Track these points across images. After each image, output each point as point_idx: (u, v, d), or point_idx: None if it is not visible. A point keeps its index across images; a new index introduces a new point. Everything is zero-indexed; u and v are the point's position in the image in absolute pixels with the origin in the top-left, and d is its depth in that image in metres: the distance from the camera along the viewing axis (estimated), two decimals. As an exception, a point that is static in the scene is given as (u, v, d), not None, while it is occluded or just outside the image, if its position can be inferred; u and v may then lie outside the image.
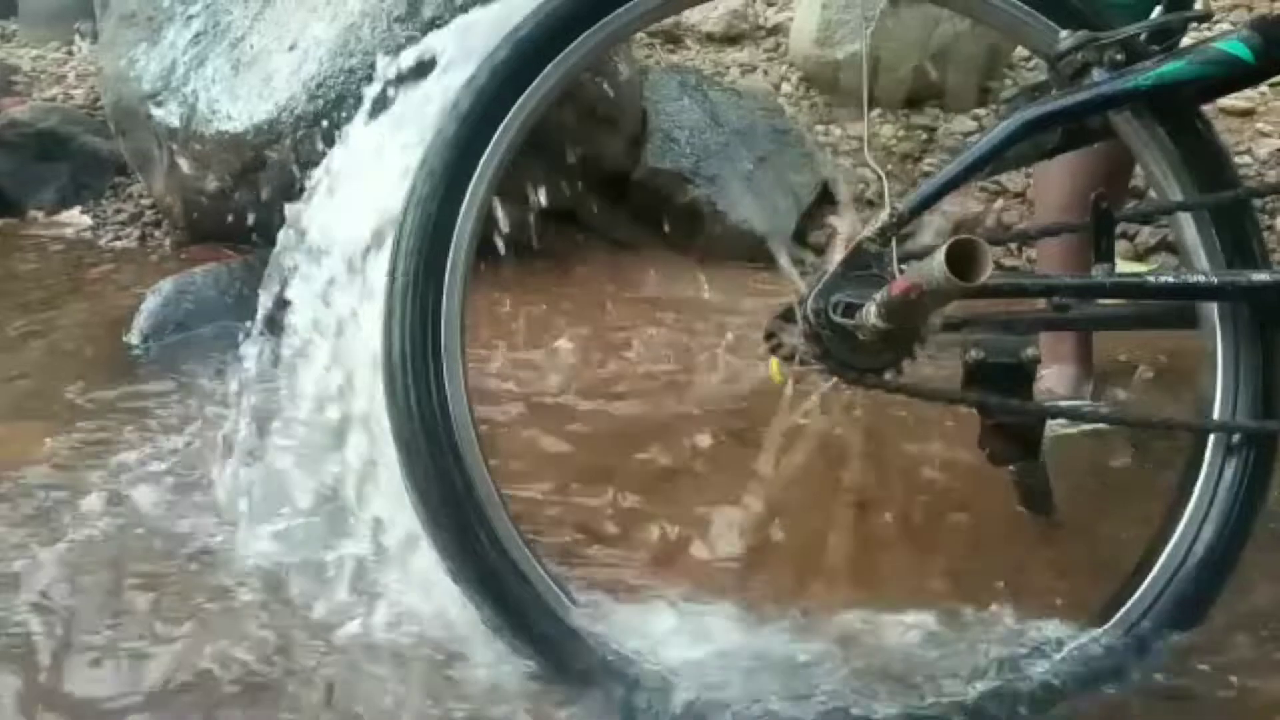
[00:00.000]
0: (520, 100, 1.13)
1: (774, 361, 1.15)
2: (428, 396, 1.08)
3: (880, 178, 1.10)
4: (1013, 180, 2.76)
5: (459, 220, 1.11)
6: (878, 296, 1.03)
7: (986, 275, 0.92)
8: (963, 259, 0.93)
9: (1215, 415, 1.17)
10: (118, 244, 2.97)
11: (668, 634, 1.16)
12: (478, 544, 1.08)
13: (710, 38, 3.51)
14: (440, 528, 1.09)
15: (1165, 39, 1.17)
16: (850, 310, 1.07)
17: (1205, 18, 1.18)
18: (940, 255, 0.93)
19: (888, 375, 1.11)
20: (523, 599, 1.09)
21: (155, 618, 1.29)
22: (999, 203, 2.77)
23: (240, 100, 2.49)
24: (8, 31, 4.32)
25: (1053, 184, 1.85)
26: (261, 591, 1.33)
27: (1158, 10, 1.18)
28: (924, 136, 3.05)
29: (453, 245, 1.10)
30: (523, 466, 1.64)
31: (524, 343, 2.14)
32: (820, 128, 3.11)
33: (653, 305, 2.36)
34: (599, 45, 1.16)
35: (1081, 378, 1.88)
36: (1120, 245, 2.51)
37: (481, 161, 1.11)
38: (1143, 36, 1.14)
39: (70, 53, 4.05)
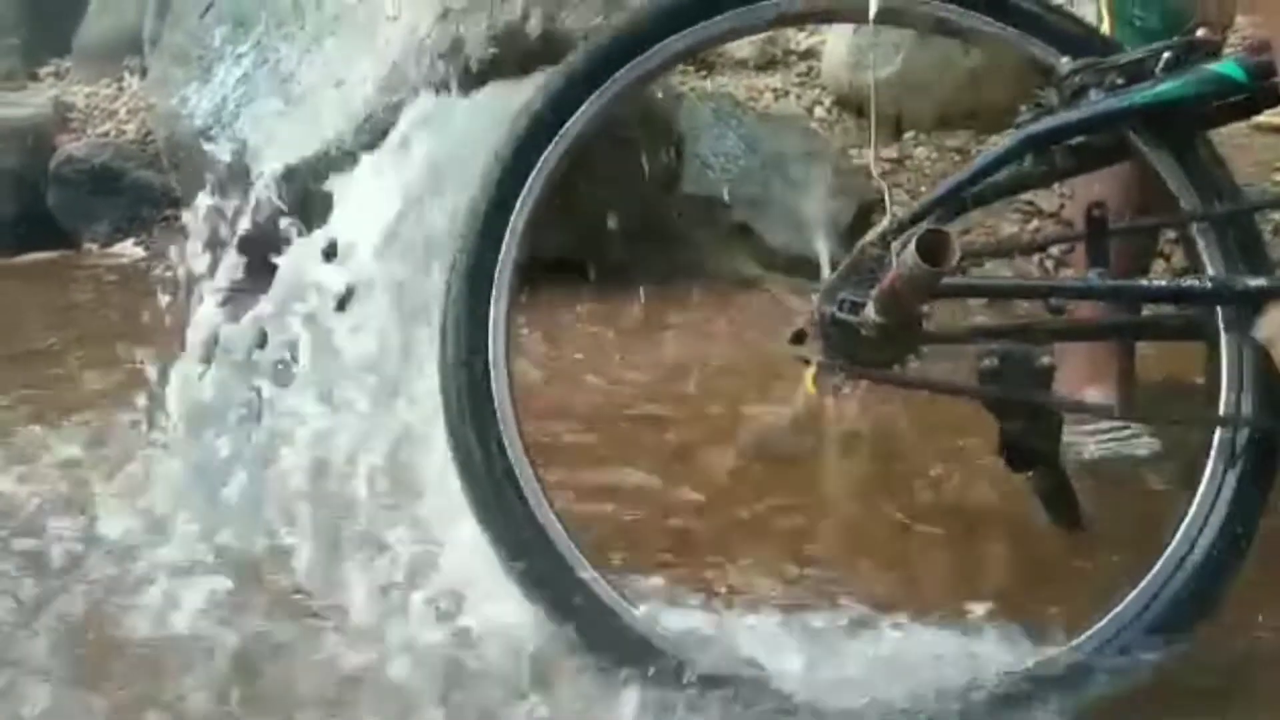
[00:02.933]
0: (565, 127, 1.23)
1: (809, 373, 1.21)
2: (475, 404, 1.18)
3: (884, 191, 1.17)
4: (1048, 201, 2.77)
5: (504, 243, 1.21)
6: (873, 292, 1.13)
7: (954, 261, 1.02)
8: (934, 249, 1.02)
9: (1221, 411, 1.18)
10: (170, 275, 3.05)
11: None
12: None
13: (743, 64, 3.55)
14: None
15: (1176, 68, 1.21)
16: (855, 309, 1.16)
17: (1209, 45, 1.21)
18: (911, 244, 1.03)
19: (894, 370, 1.19)
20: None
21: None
22: (1034, 223, 2.78)
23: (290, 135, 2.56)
24: (61, 69, 4.44)
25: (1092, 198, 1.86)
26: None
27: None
28: (957, 158, 3.07)
29: (499, 265, 1.21)
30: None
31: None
32: (854, 151, 3.14)
33: (701, 326, 2.40)
34: (633, 83, 1.25)
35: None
36: (1158, 265, 2.51)
37: (528, 182, 1.22)
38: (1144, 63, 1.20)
39: (121, 89, 4.15)
